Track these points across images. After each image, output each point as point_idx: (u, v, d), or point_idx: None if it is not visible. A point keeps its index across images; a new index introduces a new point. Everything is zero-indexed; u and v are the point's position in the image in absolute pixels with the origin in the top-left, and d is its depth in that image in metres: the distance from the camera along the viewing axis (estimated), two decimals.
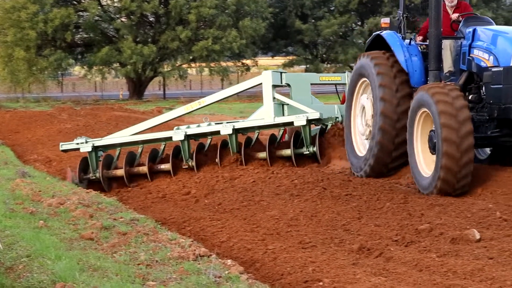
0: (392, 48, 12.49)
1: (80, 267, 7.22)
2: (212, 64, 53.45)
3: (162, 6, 51.43)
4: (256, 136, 14.43)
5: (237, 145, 13.98)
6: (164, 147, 14.46)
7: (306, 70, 63.39)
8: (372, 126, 12.50)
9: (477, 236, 8.02)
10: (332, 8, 60.52)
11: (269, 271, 7.73)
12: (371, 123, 12.59)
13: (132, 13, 49.78)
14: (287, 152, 13.87)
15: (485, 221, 8.79)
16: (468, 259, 7.27)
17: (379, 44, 12.90)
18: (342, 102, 14.91)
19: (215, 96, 15.42)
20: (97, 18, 51.45)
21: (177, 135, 14.09)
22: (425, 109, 11.10)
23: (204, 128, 14.42)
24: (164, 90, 58.31)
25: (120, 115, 28.29)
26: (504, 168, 11.54)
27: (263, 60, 69.18)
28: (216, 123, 14.77)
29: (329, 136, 14.23)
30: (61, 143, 15.27)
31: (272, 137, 14.36)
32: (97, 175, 14.31)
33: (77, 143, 14.61)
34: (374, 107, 12.47)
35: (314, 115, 13.69)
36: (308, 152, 13.83)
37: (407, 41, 12.68)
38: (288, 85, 14.79)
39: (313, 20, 59.68)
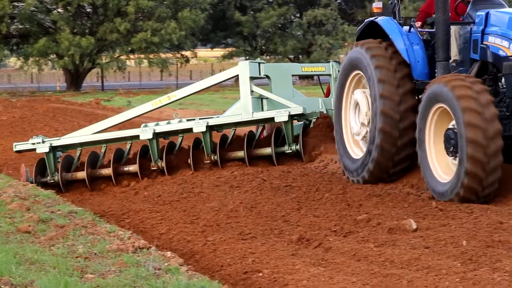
0: (390, 37, 11.00)
1: (17, 260, 7.14)
2: (151, 56, 53.21)
3: None
4: (232, 133, 13.07)
5: (211, 144, 12.65)
6: (130, 146, 13.14)
7: None
8: (371, 127, 10.94)
9: (414, 226, 8.13)
10: (271, 0, 60.78)
11: (209, 262, 7.74)
12: (368, 122, 11.10)
13: (69, 4, 49.25)
14: (267, 151, 12.72)
15: (421, 211, 8.92)
16: (405, 248, 7.37)
17: (373, 32, 11.38)
18: (326, 95, 13.94)
19: (187, 90, 13.99)
20: (33, 9, 50.81)
21: (145, 133, 12.71)
22: (442, 105, 9.69)
23: (175, 125, 13.04)
24: (102, 82, 57.86)
25: (58, 106, 27.99)
26: None
27: (202, 52, 69.10)
28: (187, 120, 13.47)
29: (313, 132, 13.00)
30: (14, 144, 13.74)
31: (250, 135, 13.06)
32: (56, 178, 12.91)
33: (33, 143, 13.10)
34: (373, 105, 10.86)
35: (297, 110, 12.50)
36: (290, 151, 12.65)
37: (405, 28, 11.14)
38: (267, 76, 13.48)
39: (252, 12, 59.82)
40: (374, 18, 11.39)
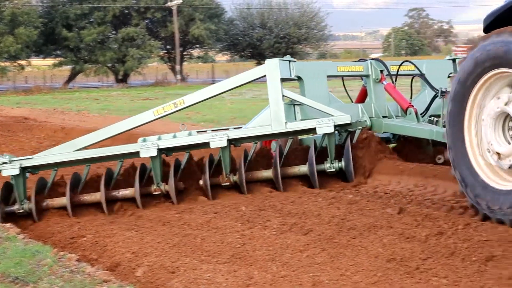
0: None
1: None
2: None
3: None
4: (253, 148, 8.48)
5: (231, 162, 8.26)
6: (121, 166, 8.40)
7: (72, 70, 62.13)
8: None
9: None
10: (92, 20, 60.06)
11: (42, 231, 7.51)
12: None
13: None
14: (302, 169, 8.30)
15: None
16: (199, 214, 7.43)
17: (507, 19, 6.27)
18: (359, 100, 9.57)
19: (197, 96, 8.61)
20: None
21: (147, 149, 8.09)
22: None
23: (185, 139, 8.47)
24: None
25: None
26: None
27: (36, 61, 67.15)
28: (198, 132, 9.17)
29: (361, 146, 8.58)
30: None
31: (279, 150, 8.33)
32: (26, 206, 8.08)
33: None
34: None
35: (343, 119, 8.17)
36: (333, 169, 8.34)
37: None
38: (299, 78, 8.91)
39: (76, 29, 58.90)
40: None
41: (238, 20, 71.84)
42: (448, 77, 9.69)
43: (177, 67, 64.99)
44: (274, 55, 69.67)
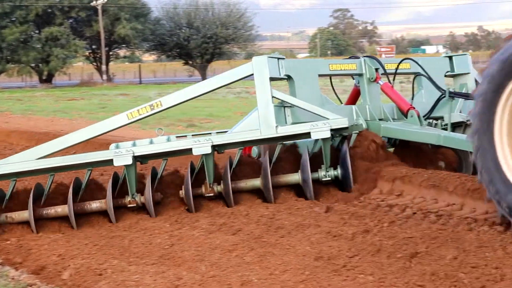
0: None
1: None
2: None
3: None
4: (238, 154, 7.48)
5: (215, 171, 7.38)
6: (90, 175, 7.36)
7: None
8: None
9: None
10: (14, 19, 58.92)
11: None
12: None
13: None
14: (294, 178, 7.41)
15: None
16: (129, 216, 7.35)
17: None
18: (350, 102, 8.77)
19: (177, 97, 7.60)
20: None
21: (121, 157, 7.14)
22: None
23: (163, 145, 7.45)
24: None
25: None
26: None
27: None
28: (177, 137, 8.24)
29: (356, 152, 7.75)
30: None
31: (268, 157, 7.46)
32: None
33: None
34: None
35: (340, 122, 7.32)
36: (328, 178, 7.50)
37: None
38: (289, 77, 7.95)
39: None
40: None
41: (165, 20, 71.49)
42: (445, 75, 8.93)
43: (103, 67, 64.20)
44: (202, 55, 69.71)
